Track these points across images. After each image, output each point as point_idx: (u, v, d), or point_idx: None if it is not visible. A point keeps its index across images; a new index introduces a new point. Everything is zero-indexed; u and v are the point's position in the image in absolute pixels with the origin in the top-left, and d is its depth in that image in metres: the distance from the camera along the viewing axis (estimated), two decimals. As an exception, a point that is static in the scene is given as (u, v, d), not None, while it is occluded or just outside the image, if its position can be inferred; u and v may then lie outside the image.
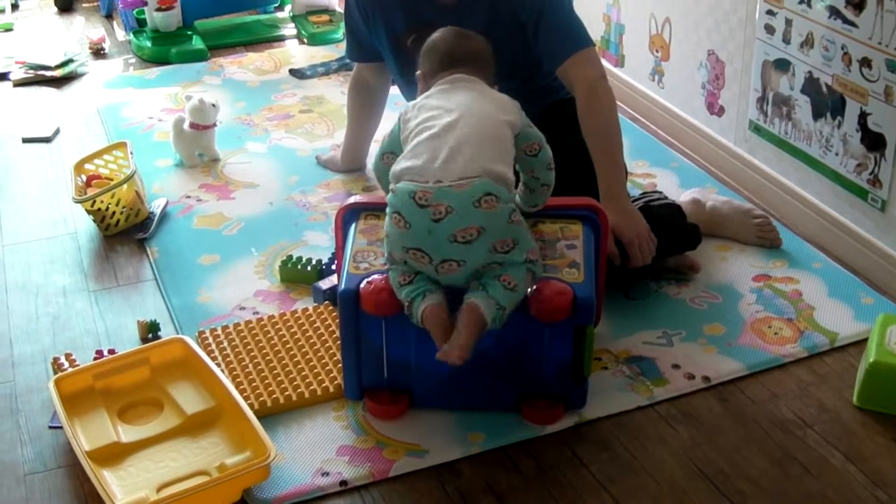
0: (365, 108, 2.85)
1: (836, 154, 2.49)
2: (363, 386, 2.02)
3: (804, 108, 2.57)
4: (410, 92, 2.61)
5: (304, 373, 2.10)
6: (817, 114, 2.53)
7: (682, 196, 2.65)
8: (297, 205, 2.79)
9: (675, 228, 2.42)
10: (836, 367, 2.19)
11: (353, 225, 2.07)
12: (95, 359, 2.16)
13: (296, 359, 2.14)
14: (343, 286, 1.92)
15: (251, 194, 2.85)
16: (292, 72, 3.61)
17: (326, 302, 2.32)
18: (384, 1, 2.50)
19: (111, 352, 2.18)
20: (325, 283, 2.35)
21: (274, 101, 3.41)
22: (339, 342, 2.16)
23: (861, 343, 2.23)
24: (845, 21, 2.36)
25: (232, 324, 2.26)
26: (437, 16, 2.37)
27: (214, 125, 2.96)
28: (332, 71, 3.61)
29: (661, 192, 2.54)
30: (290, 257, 2.46)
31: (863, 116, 2.38)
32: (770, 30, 2.63)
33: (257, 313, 2.34)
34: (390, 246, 1.86)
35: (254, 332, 2.22)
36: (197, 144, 2.96)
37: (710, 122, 2.97)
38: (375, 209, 2.08)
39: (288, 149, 3.09)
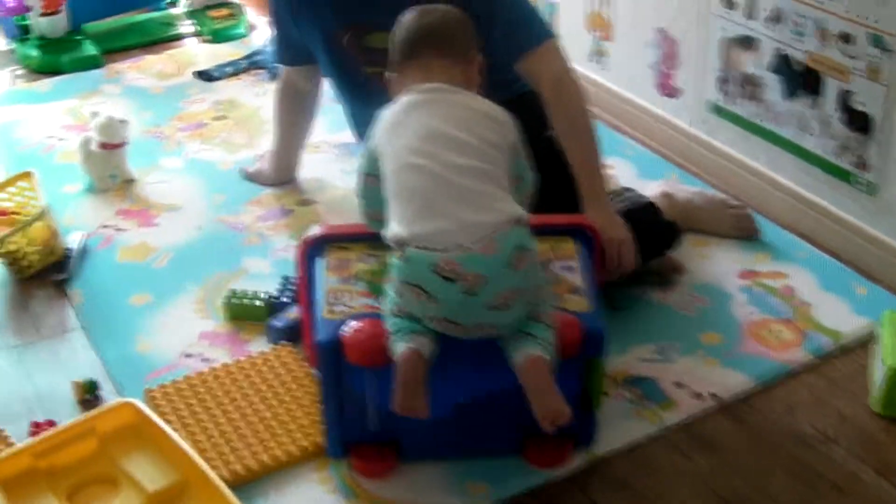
0: (295, 114, 2.59)
1: (813, 135, 2.34)
2: (346, 441, 1.79)
3: (774, 88, 2.40)
4: (350, 100, 2.37)
5: (274, 431, 1.85)
6: (789, 93, 2.37)
7: (649, 190, 2.46)
8: (228, 227, 2.52)
9: (653, 229, 2.24)
10: (846, 369, 2.05)
11: (320, 260, 1.82)
12: (33, 433, 1.87)
13: (262, 414, 1.89)
14: (321, 335, 1.68)
15: (176, 218, 2.56)
16: (198, 74, 3.30)
17: (283, 343, 2.07)
18: (313, -2, 2.25)
19: (49, 423, 1.90)
20: (279, 321, 2.10)
21: (182, 108, 3.11)
22: (307, 390, 1.93)
23: (866, 340, 2.10)
24: (819, -6, 2.20)
25: (182, 376, 1.99)
26: (371, 11, 2.13)
27: (125, 143, 2.67)
28: (242, 70, 3.32)
29: (632, 190, 2.35)
30: (234, 292, 2.19)
31: (845, 95, 2.22)
32: (730, 4, 2.45)
33: (207, 360, 2.07)
34: (395, 289, 1.63)
35: (208, 385, 1.96)
36: (108, 165, 2.66)
37: (663, 105, 2.79)
38: (344, 240, 1.84)
39: (207, 162, 2.81)
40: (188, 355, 2.09)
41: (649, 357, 2.05)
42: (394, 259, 1.60)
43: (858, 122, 2.21)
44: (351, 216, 2.50)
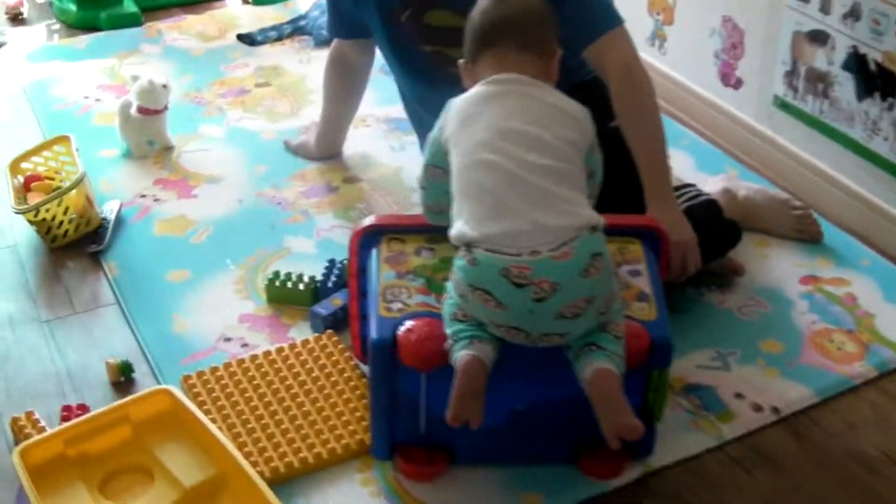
0: (346, 88, 2.49)
1: (886, 139, 2.23)
2: (394, 443, 1.71)
3: (845, 86, 2.30)
4: (406, 78, 2.27)
5: (317, 426, 1.78)
6: (863, 93, 2.26)
7: (708, 185, 2.36)
8: (270, 202, 2.44)
9: (715, 228, 2.14)
10: (910, 388, 1.96)
11: (374, 251, 1.73)
12: (64, 417, 1.80)
13: (305, 408, 1.81)
14: (376, 334, 1.60)
15: (215, 190, 2.48)
16: (240, 37, 3.21)
17: (329, 331, 1.99)
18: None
19: (81, 407, 1.83)
20: (323, 308, 2.02)
21: (224, 72, 3.01)
22: (351, 384, 1.86)
23: (933, 357, 2.02)
24: (906, -9, 2.09)
25: (222, 364, 1.91)
26: None
27: (166, 108, 2.58)
28: (286, 35, 3.22)
29: (693, 185, 2.25)
30: (277, 274, 2.11)
31: (924, 99, 2.12)
32: (804, -3, 2.34)
33: (247, 345, 2.00)
34: (459, 292, 1.53)
35: (249, 373, 1.88)
36: (147, 131, 2.57)
37: (723, 95, 2.68)
38: (400, 231, 1.76)
39: (249, 132, 2.72)
40: (227, 339, 2.01)
41: (708, 364, 1.97)
42: (459, 260, 1.51)
43: (935, 127, 2.12)
44: (398, 195, 2.45)
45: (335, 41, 2.43)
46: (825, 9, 2.29)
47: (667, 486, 1.74)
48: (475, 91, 1.62)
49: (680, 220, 1.96)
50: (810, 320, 2.09)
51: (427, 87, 2.24)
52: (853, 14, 2.22)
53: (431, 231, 1.75)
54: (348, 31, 2.33)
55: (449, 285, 1.57)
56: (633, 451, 1.73)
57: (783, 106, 2.49)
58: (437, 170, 1.65)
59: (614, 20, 2.04)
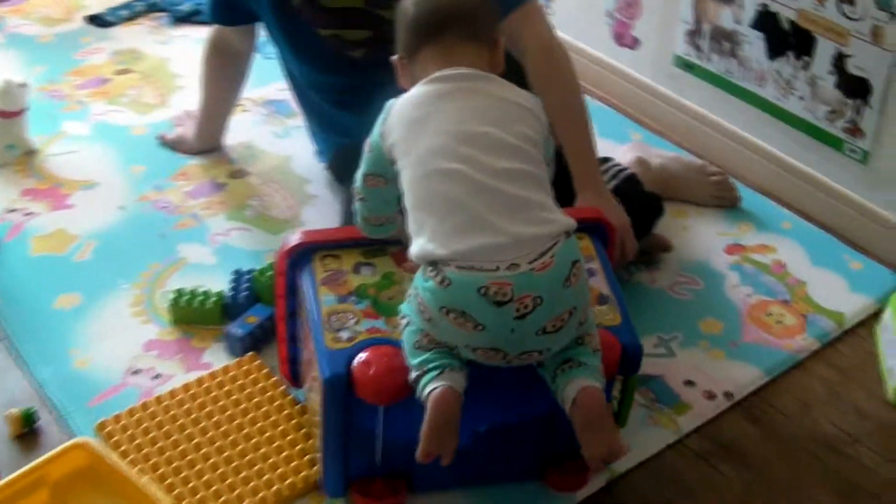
0: (228, 76, 2.28)
1: (801, 98, 2.18)
2: (348, 478, 1.57)
3: (755, 45, 2.23)
4: (300, 65, 2.09)
5: (257, 466, 1.62)
6: (774, 52, 2.20)
7: (619, 154, 2.27)
8: (155, 206, 2.22)
9: (638, 205, 2.05)
10: (854, 357, 1.93)
11: (307, 272, 1.57)
12: (-33, 487, 1.59)
13: (240, 446, 1.65)
14: (328, 371, 1.44)
15: (92, 197, 2.24)
16: (89, 19, 2.93)
17: (250, 353, 1.82)
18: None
19: (-13, 472, 1.62)
20: (239, 328, 1.85)
21: (78, 60, 2.74)
22: (285, 412, 1.71)
23: (867, 321, 1.99)
24: (819, -53, 2.03)
25: (139, 402, 1.72)
26: None
27: (25, 109, 2.32)
28: (139, 13, 2.95)
29: (610, 159, 2.15)
30: (180, 292, 1.92)
31: (840, 58, 2.07)
32: (704, -47, 2.26)
33: (159, 376, 1.81)
34: (425, 317, 1.38)
35: (171, 412, 1.70)
36: (6, 135, 2.31)
37: (618, 56, 2.59)
38: (333, 247, 1.60)
39: (117, 127, 2.48)
40: (136, 371, 1.82)
41: (652, 351, 1.89)
42: (426, 281, 1.36)
43: (854, 86, 2.07)
44: (292, 187, 2.28)
45: (216, 27, 2.21)
46: (730, -34, 2.21)
47: (635, 493, 1.65)
48: (419, 91, 1.45)
49: (612, 205, 1.86)
50: (744, 293, 2.04)
51: (322, 73, 2.07)
52: (761, -29, 2.15)
53: (366, 244, 1.60)
54: (232, 18, 2.13)
55: (406, 308, 1.42)
56: (597, 459, 1.64)
57: (686, 66, 2.41)
58: (377, 179, 1.49)
59: (527, -7, 1.91)
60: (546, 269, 1.33)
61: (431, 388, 1.36)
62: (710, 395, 1.81)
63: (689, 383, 1.83)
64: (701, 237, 2.17)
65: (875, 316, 2.00)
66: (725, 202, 2.26)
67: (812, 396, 1.84)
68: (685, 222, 2.21)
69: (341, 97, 2.08)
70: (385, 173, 1.47)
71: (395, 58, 1.54)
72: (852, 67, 2.05)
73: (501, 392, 1.50)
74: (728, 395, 1.82)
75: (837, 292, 2.05)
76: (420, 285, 1.37)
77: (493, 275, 1.31)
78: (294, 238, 1.60)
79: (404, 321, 1.42)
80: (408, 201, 1.40)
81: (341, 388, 1.44)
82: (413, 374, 1.39)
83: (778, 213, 2.25)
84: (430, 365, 1.37)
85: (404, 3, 1.53)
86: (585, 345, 1.41)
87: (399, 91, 1.50)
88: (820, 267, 2.11)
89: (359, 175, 1.51)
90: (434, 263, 1.34)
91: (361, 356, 1.44)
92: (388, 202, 1.51)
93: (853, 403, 1.83)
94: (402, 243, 1.57)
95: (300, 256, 1.59)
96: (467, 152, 1.37)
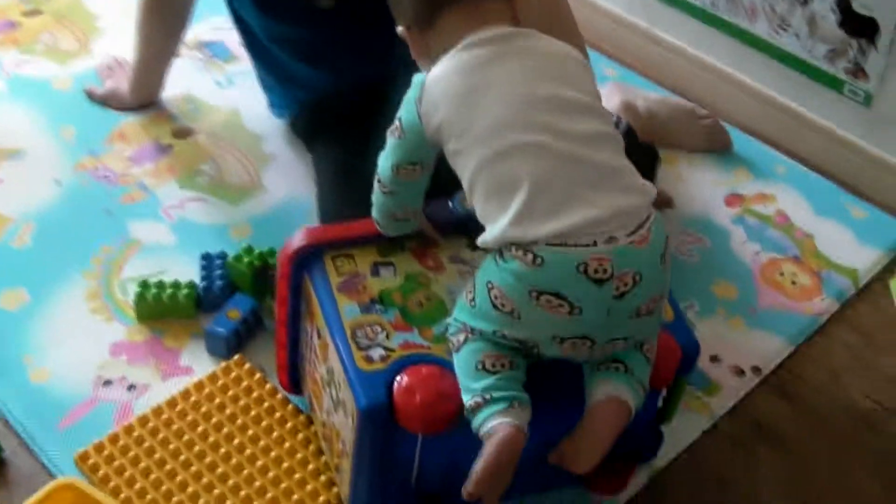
0: (168, 24, 2.00)
1: (797, 36, 2.04)
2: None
3: (745, -23, 2.07)
4: (259, 18, 1.85)
5: (269, 494, 1.44)
6: (768, -15, 2.05)
7: (603, 99, 2.08)
8: (94, 176, 1.97)
9: (636, 158, 1.88)
10: (873, 318, 1.84)
11: (319, 278, 1.37)
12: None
13: (244, 471, 1.46)
14: (365, 399, 1.25)
15: (21, 169, 1.97)
16: (-18, -51, 2.59)
17: (237, 357, 1.62)
18: None
19: (-46, 523, 1.40)
20: (221, 325, 1.64)
21: (-23, 1, 2.43)
22: (288, 426, 1.53)
23: (882, 275, 1.90)
24: None
25: (119, 426, 1.51)
26: None
27: (-70, 68, 2.03)
28: (39, -59, 2.62)
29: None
30: (146, 284, 1.69)
31: (845, -6, 1.93)
32: None
33: (134, 387, 1.59)
34: (506, 310, 1.19)
35: (159, 435, 1.49)
36: None
37: (585, -14, 2.40)
38: (345, 245, 1.40)
39: (37, 81, 2.19)
40: (107, 382, 1.60)
41: (672, 325, 1.75)
42: (505, 264, 1.17)
43: (858, 25, 1.93)
44: (247, 147, 2.05)
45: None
46: None
47: (677, 490, 1.54)
48: (459, 60, 1.23)
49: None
50: (753, 251, 1.92)
51: (284, 26, 1.84)
52: None
53: (378, 239, 1.41)
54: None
55: (462, 315, 1.23)
56: (638, 457, 1.51)
57: (665, -1, 2.24)
58: (413, 168, 1.29)
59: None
60: (644, 244, 1.17)
61: (495, 424, 1.19)
62: (738, 371, 1.70)
63: (715, 359, 1.71)
64: (697, 188, 2.04)
65: (887, 270, 1.90)
66: (717, 146, 2.12)
67: (838, 364, 1.75)
68: (677, 170, 2.07)
69: (303, 50, 1.85)
70: (423, 160, 1.28)
71: (401, 29, 1.32)
72: (858, 6, 1.91)
73: (544, 407, 1.35)
74: (756, 369, 1.71)
75: (846, 245, 1.95)
76: (494, 273, 1.18)
77: (591, 249, 1.14)
78: (298, 238, 1.39)
79: (459, 338, 1.23)
80: (477, 184, 1.20)
81: (382, 418, 1.26)
82: (471, 400, 1.21)
83: (771, 156, 2.13)
84: (497, 394, 1.19)
85: None
86: (643, 352, 1.26)
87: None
88: (823, 217, 2.00)
89: (387, 166, 1.31)
90: (517, 245, 1.17)
91: (402, 380, 1.26)
92: (420, 193, 1.34)
93: (881, 371, 1.74)
94: (421, 236, 1.40)
95: (308, 260, 1.39)
96: (544, 120, 1.18)
